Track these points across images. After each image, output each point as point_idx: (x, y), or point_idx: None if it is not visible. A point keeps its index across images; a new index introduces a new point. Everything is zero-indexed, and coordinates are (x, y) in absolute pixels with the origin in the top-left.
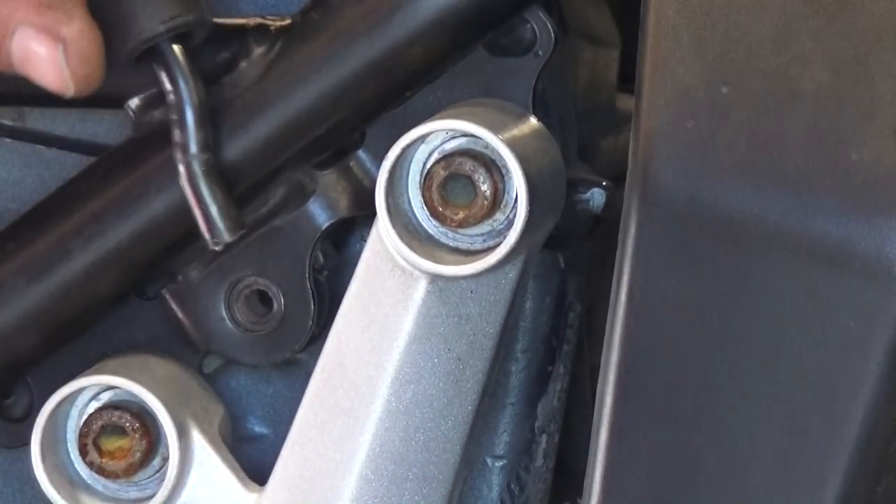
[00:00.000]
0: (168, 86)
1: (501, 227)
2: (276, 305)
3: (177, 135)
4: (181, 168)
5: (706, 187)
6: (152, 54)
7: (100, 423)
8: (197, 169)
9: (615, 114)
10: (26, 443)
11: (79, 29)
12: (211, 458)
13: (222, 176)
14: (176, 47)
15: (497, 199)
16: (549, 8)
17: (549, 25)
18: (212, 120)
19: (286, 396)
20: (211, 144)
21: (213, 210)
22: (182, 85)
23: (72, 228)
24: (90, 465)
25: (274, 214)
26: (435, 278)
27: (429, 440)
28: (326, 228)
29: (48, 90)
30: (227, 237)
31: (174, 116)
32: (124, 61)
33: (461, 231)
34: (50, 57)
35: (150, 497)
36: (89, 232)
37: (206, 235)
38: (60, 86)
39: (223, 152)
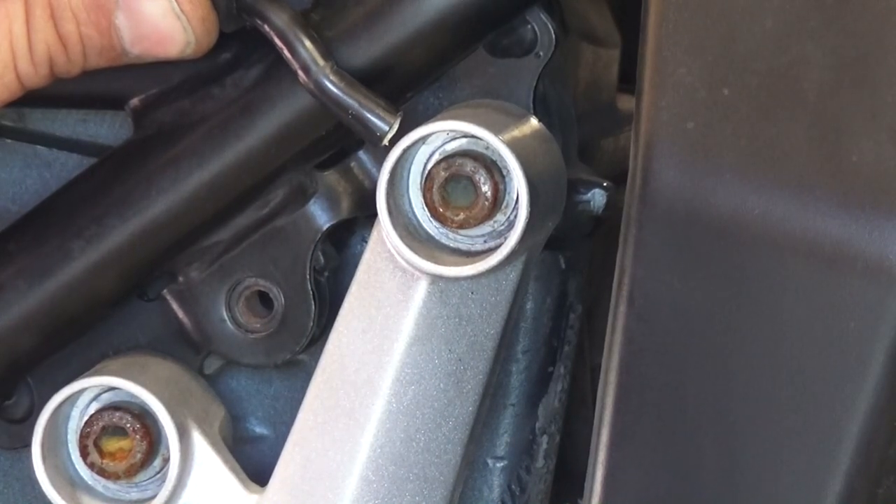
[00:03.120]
0: (261, 24)
1: (502, 228)
2: (276, 306)
3: (293, 63)
4: (313, 88)
5: (707, 188)
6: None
7: (100, 424)
8: (326, 80)
9: (616, 114)
10: (27, 444)
11: None
12: (212, 459)
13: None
14: None
15: (498, 200)
16: (550, 9)
17: (550, 26)
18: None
19: (287, 397)
20: (330, 53)
21: (363, 108)
22: (272, 15)
23: (73, 229)
24: (91, 466)
25: (275, 215)
26: (435, 279)
27: (429, 441)
28: (327, 229)
29: (171, 58)
30: (391, 121)
31: (283, 48)
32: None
33: (462, 232)
34: (163, 8)
35: (151, 498)
36: (90, 233)
37: (370, 133)
38: (182, 40)
39: None
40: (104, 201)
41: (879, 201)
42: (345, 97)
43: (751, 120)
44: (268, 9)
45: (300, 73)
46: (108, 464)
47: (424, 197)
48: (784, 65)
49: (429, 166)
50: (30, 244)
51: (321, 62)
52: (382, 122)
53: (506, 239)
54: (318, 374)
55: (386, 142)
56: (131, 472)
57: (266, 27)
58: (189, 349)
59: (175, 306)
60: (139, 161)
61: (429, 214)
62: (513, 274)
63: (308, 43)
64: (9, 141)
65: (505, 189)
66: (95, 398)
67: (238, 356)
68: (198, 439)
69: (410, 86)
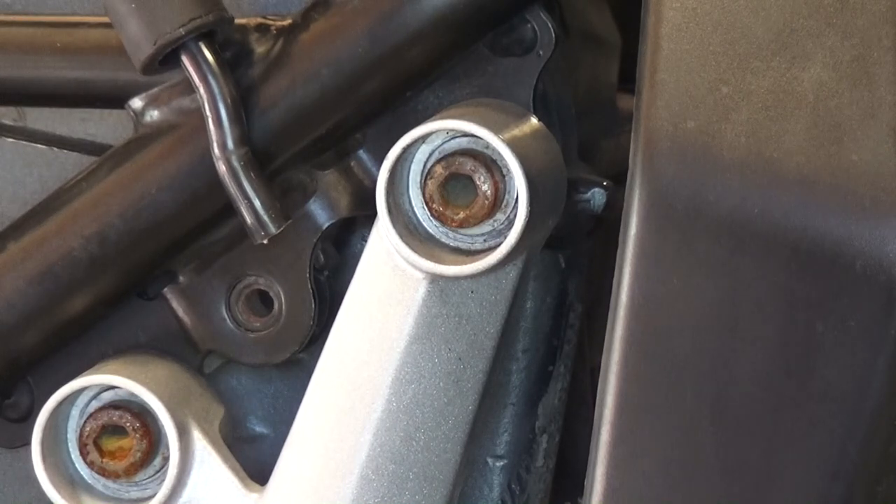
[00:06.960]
0: (199, 84)
1: (502, 227)
2: (276, 305)
3: (212, 132)
4: (220, 165)
5: (706, 187)
6: (178, 56)
7: (100, 422)
8: (236, 164)
9: (616, 114)
10: (27, 443)
11: None
12: (211, 457)
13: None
14: (203, 45)
15: (498, 199)
16: (550, 8)
17: (550, 25)
18: None
19: (287, 396)
20: (247, 139)
21: (257, 203)
22: (213, 82)
23: (73, 228)
24: (91, 465)
25: None
26: (435, 278)
27: (429, 440)
28: (327, 228)
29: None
30: (273, 229)
31: (208, 114)
32: (148, 67)
33: (462, 231)
34: None
35: (151, 497)
36: (90, 232)
37: (252, 230)
38: None
39: None
40: (104, 200)
41: (879, 200)
42: (248, 187)
43: (750, 119)
44: (210, 73)
45: (215, 145)
46: (108, 463)
47: (424, 196)
48: (784, 63)
49: (429, 165)
50: (30, 244)
51: (239, 147)
52: (270, 224)
53: (505, 238)
54: (318, 373)
55: (264, 241)
56: (131, 471)
57: (201, 89)
58: (189, 348)
59: (175, 305)
60: (139, 160)
61: (428, 213)
62: (513, 273)
63: (235, 123)
64: (9, 140)
65: (505, 188)
66: (95, 397)
67: (238, 355)
68: (198, 438)
69: (410, 84)
